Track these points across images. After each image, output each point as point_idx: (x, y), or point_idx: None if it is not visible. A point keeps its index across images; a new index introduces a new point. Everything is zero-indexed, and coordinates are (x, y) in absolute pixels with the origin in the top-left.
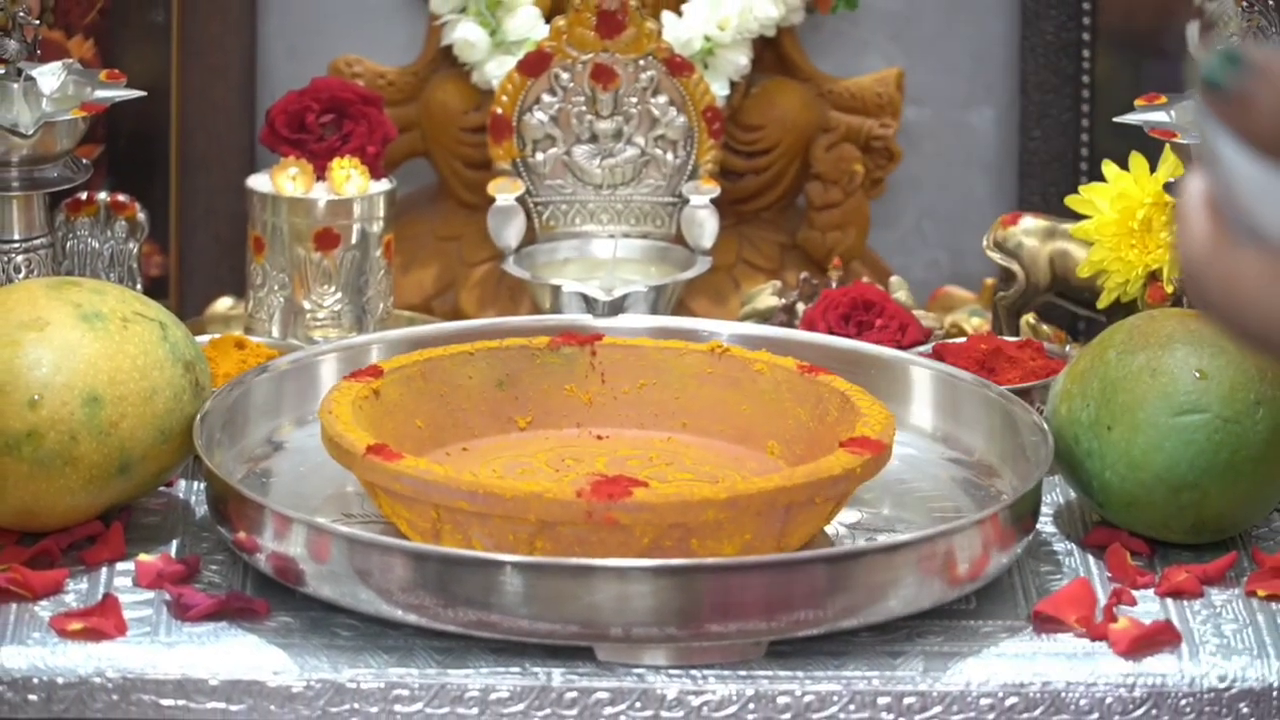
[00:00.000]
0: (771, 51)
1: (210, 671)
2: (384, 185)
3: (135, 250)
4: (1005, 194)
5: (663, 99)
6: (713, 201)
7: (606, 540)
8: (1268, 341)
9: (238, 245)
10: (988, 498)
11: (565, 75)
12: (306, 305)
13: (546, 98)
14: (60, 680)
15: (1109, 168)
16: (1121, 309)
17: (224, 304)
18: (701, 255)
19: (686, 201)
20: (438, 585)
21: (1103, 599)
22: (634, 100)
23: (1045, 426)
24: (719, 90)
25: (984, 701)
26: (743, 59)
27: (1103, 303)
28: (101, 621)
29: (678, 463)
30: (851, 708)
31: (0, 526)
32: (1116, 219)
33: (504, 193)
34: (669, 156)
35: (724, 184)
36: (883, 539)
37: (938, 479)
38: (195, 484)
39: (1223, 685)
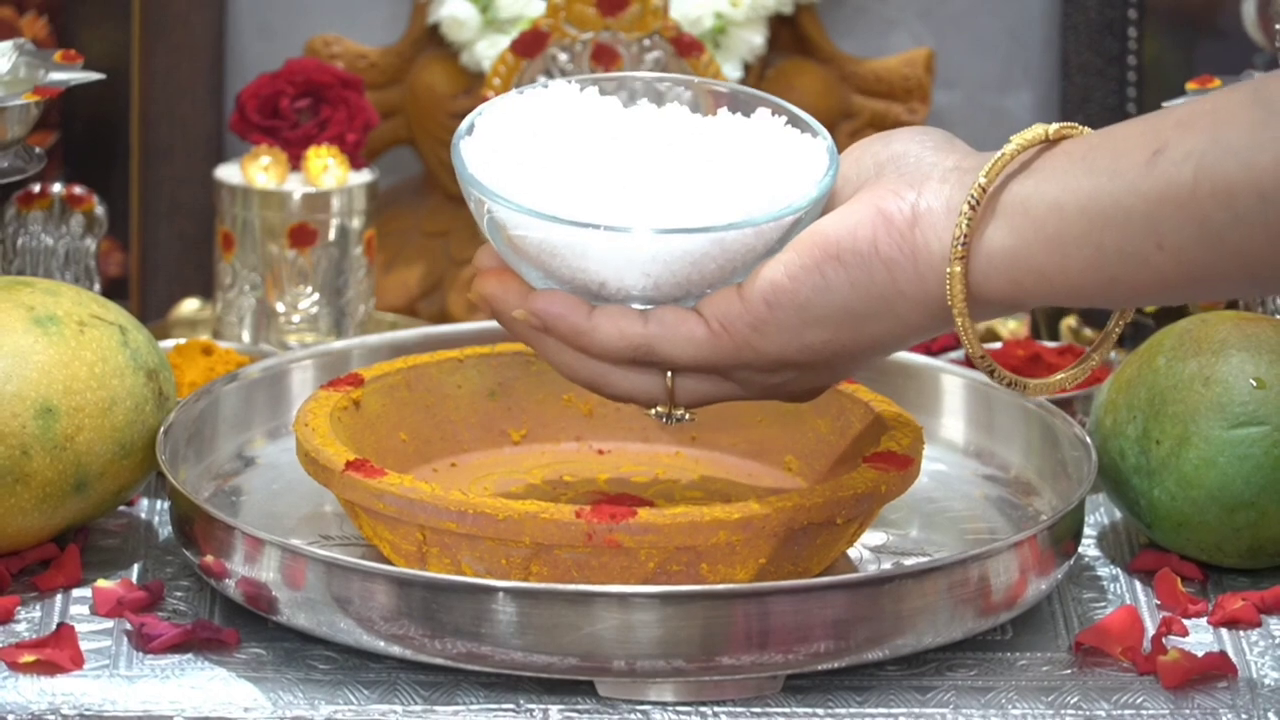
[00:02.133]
0: (789, 30)
1: (175, 708)
2: (365, 176)
3: (93, 247)
4: None
5: (667, 82)
6: None
7: (608, 565)
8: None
9: (205, 242)
10: (1025, 518)
11: (564, 56)
12: (280, 307)
13: (543, 80)
14: (11, 718)
15: None
16: (1171, 312)
17: (190, 306)
18: None
19: None
20: (424, 614)
21: (1151, 629)
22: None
23: (1088, 440)
24: (731, 72)
25: None
26: (757, 38)
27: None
28: (56, 653)
29: (686, 479)
30: None
31: None
32: None
33: None
34: None
35: None
36: (911, 563)
37: (970, 498)
38: (158, 503)
39: None
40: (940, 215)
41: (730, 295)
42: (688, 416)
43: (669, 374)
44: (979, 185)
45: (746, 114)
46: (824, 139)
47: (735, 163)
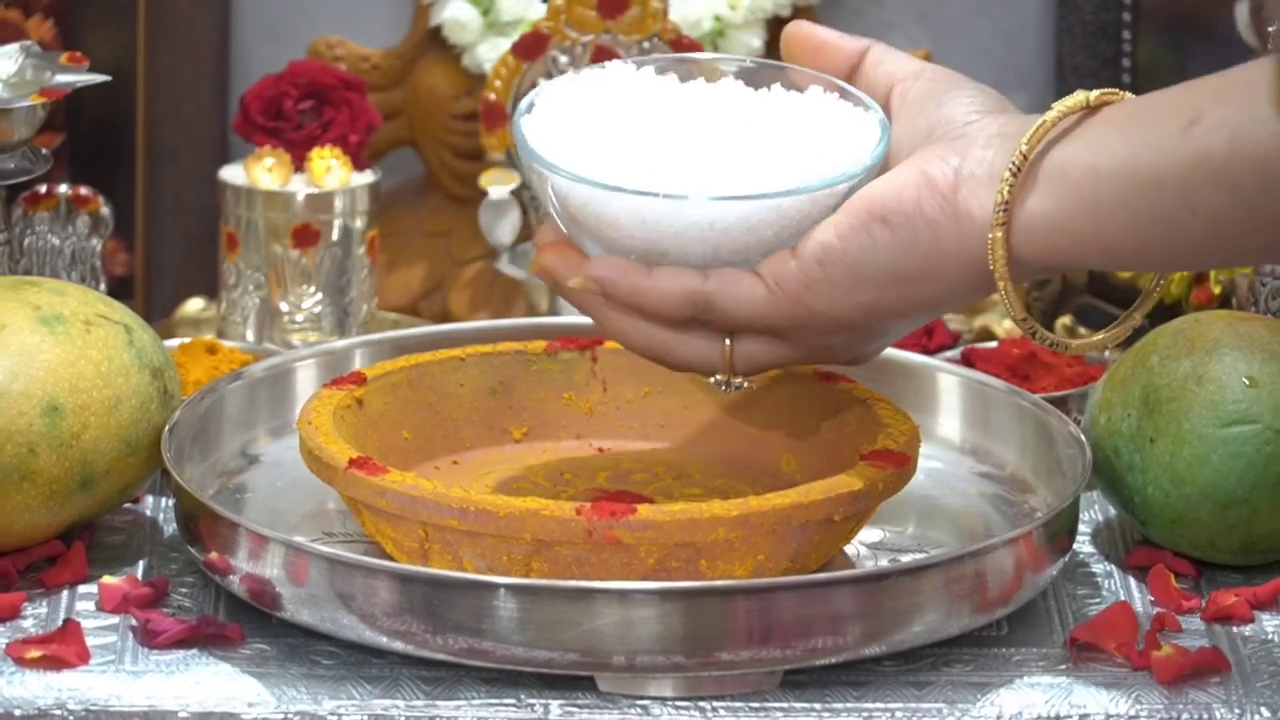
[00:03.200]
0: None
1: (180, 703)
2: (367, 177)
3: (98, 247)
4: None
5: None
6: None
7: (608, 561)
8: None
9: (209, 242)
10: (1021, 515)
11: (564, 58)
12: (284, 307)
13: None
14: (17, 712)
15: None
16: (1165, 311)
17: (194, 305)
18: None
19: None
20: (426, 610)
21: (1145, 625)
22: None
23: (1083, 438)
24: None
25: None
26: (756, 41)
27: None
28: (62, 649)
29: (685, 477)
30: None
31: None
32: None
33: (497, 185)
34: None
35: None
36: (907, 560)
37: (966, 495)
38: (163, 500)
39: (1275, 719)
40: (983, 180)
41: (785, 256)
42: (746, 384)
43: (727, 341)
44: (1020, 152)
45: (800, 89)
46: (875, 112)
47: (790, 133)
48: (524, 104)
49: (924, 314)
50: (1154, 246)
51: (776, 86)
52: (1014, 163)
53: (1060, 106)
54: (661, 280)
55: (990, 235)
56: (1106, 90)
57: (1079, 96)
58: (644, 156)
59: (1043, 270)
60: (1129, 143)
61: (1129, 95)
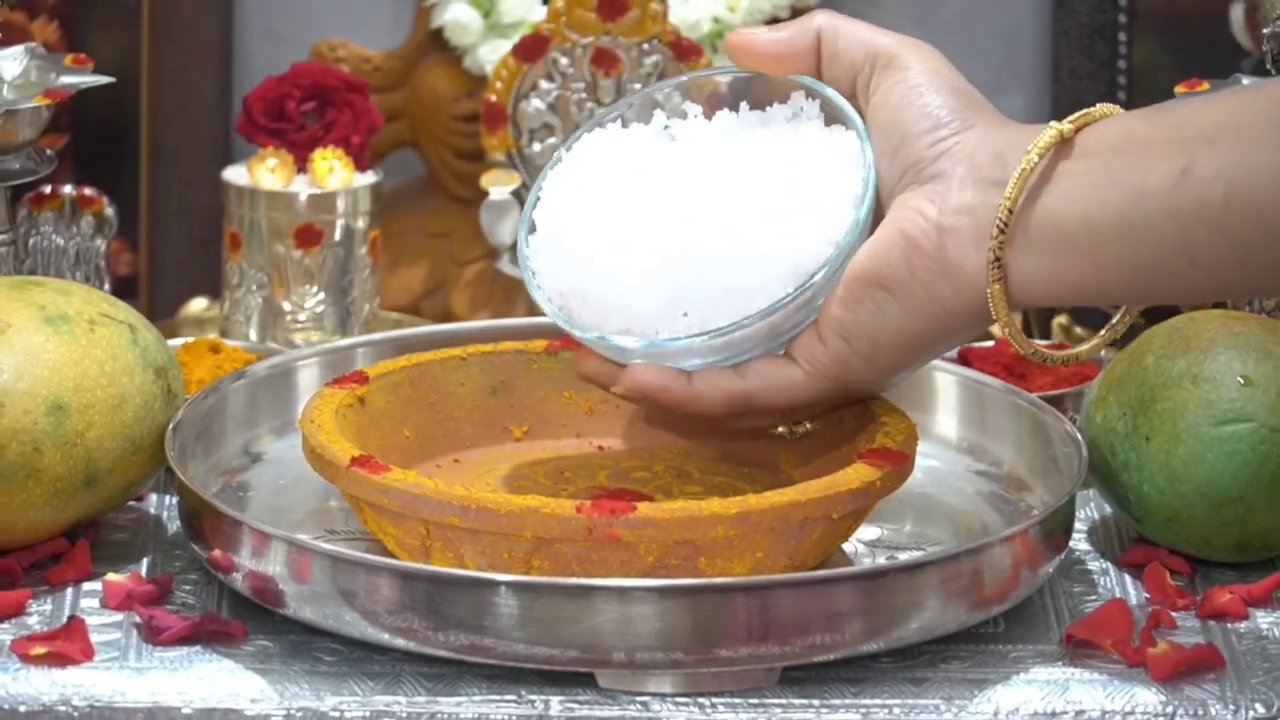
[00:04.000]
0: None
1: (183, 699)
2: (369, 178)
3: (103, 248)
4: None
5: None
6: None
7: (608, 559)
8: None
9: (212, 242)
10: (1017, 513)
11: (564, 60)
12: (286, 306)
13: (544, 84)
14: (23, 709)
15: None
16: (1160, 310)
17: (198, 305)
18: None
19: None
20: (427, 607)
21: (1140, 621)
22: (637, 87)
23: (1079, 437)
24: (726, 77)
25: None
26: None
27: None
28: (67, 645)
29: (685, 475)
30: None
31: None
32: None
33: (498, 186)
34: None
35: None
36: (905, 557)
37: (963, 493)
38: (167, 498)
39: (1269, 715)
40: (967, 235)
41: (813, 338)
42: (809, 426)
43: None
44: (1005, 207)
45: (783, 98)
46: (855, 130)
47: (775, 214)
48: (524, 218)
49: (940, 352)
50: (1154, 292)
51: (756, 138)
52: (1000, 219)
53: (1038, 147)
54: (701, 386)
55: (989, 289)
56: (1080, 115)
57: (1052, 133)
58: (638, 302)
59: (1045, 304)
60: (1121, 191)
61: (1103, 110)
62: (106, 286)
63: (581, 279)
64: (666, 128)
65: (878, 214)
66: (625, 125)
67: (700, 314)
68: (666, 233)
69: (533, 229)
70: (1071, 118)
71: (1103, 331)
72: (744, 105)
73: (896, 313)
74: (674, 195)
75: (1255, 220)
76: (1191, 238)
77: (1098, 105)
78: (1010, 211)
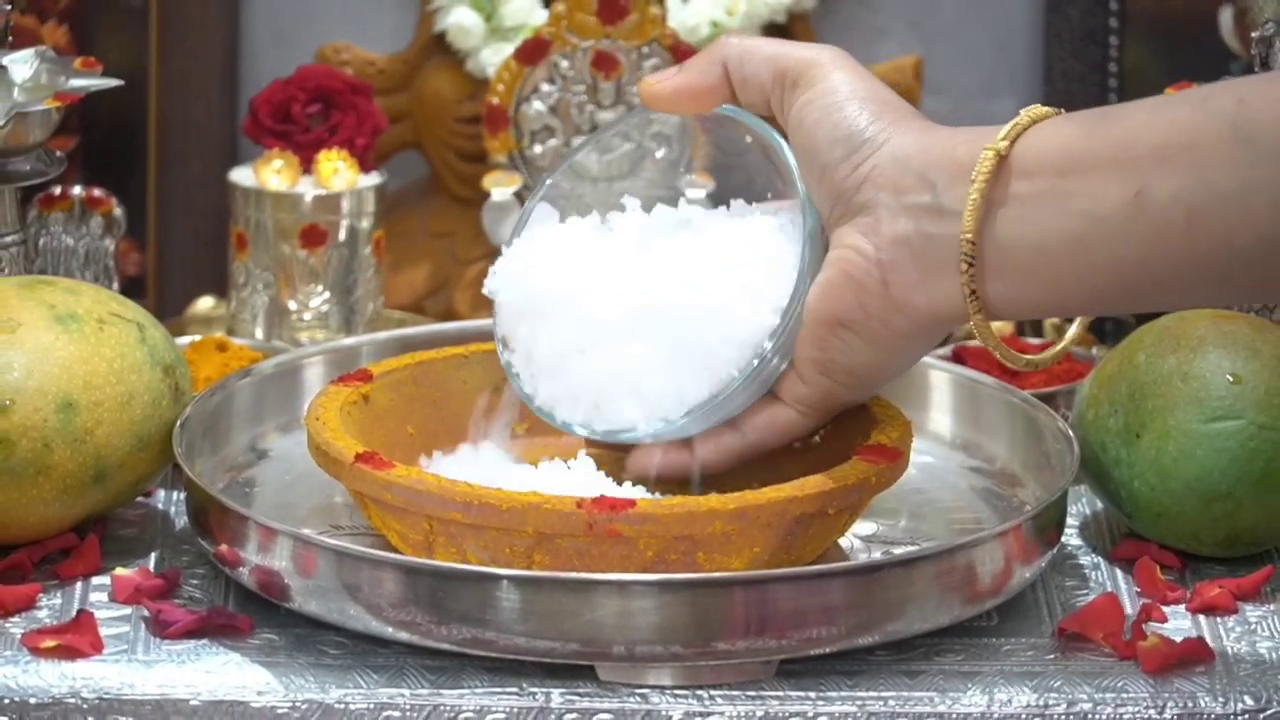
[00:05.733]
0: (782, 38)
1: (191, 691)
2: (373, 179)
3: (111, 248)
4: None
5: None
6: (709, 196)
7: (608, 553)
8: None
9: (219, 242)
10: (1010, 509)
11: (565, 63)
12: (292, 305)
13: (545, 87)
14: (33, 700)
15: None
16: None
17: (205, 304)
18: None
19: (682, 196)
20: (430, 601)
21: (1131, 615)
22: (636, 89)
23: (1071, 433)
24: None
25: None
26: None
27: None
28: (76, 639)
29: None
30: None
31: None
32: None
33: (500, 187)
34: (663, 152)
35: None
36: (900, 552)
37: (957, 489)
38: (175, 494)
39: (1257, 706)
40: (906, 267)
41: (794, 379)
42: (819, 438)
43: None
44: (967, 239)
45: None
46: (795, 188)
47: (724, 277)
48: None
49: (919, 357)
50: (1120, 307)
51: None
52: (966, 255)
53: (980, 175)
54: (706, 456)
55: (971, 320)
56: (1010, 127)
57: (990, 156)
58: (606, 381)
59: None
60: (1074, 219)
61: (1030, 116)
62: (115, 286)
63: (566, 382)
64: (604, 222)
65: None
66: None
67: (680, 391)
68: (632, 322)
69: (505, 345)
70: (1002, 132)
71: (1065, 339)
72: (682, 200)
73: (862, 347)
74: (627, 288)
75: (1222, 243)
76: (1154, 262)
77: (1023, 112)
78: (973, 244)
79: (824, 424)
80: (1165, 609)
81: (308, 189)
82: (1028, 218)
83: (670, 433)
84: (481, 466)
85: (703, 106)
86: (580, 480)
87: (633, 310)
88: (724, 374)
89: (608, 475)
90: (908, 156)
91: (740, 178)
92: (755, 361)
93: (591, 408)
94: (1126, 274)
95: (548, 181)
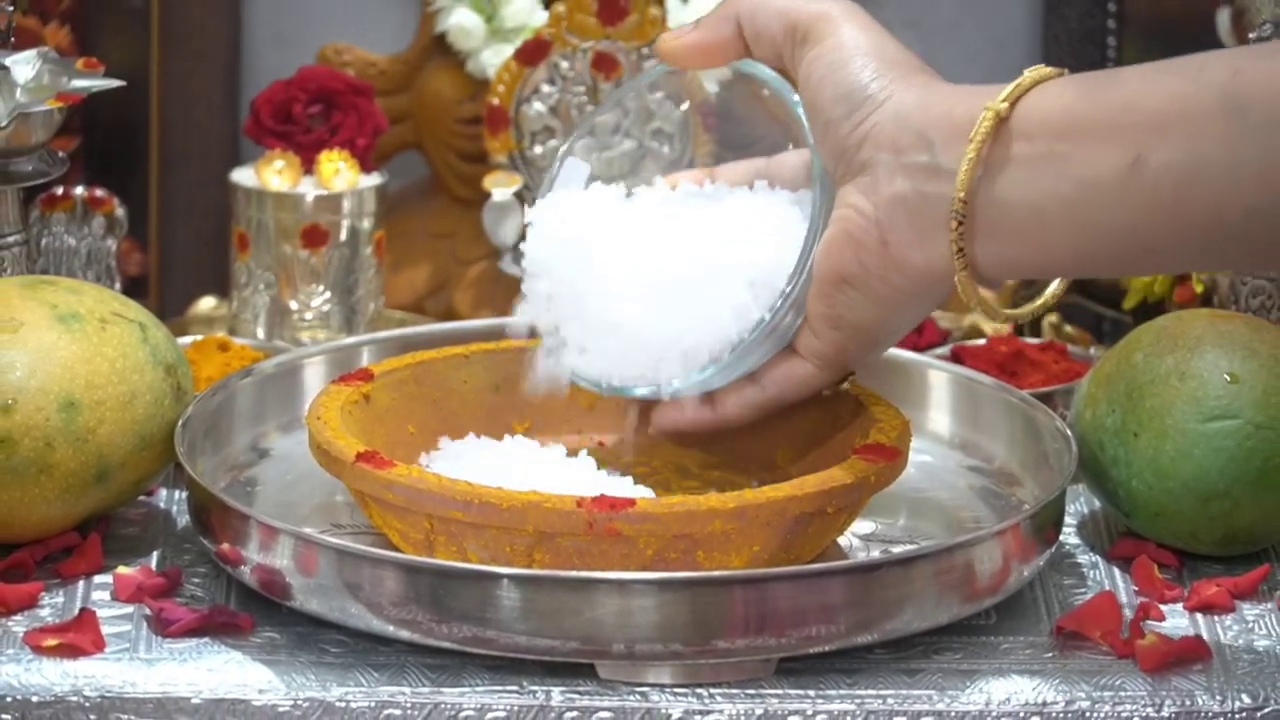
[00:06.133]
0: None
1: (192, 689)
2: (374, 179)
3: (113, 248)
4: None
5: (659, 93)
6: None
7: (608, 552)
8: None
9: (221, 242)
10: (1008, 507)
11: (565, 64)
12: (293, 305)
13: (545, 88)
14: (35, 699)
15: None
16: (1148, 309)
17: (207, 304)
18: None
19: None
20: (431, 599)
21: (1129, 613)
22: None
23: (1069, 433)
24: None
25: None
26: None
27: (1129, 303)
28: (78, 637)
29: (683, 471)
30: None
31: None
32: None
33: (500, 187)
34: (664, 149)
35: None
36: (898, 551)
37: (956, 488)
38: (176, 493)
39: (1254, 704)
40: (903, 226)
41: (809, 333)
42: (848, 384)
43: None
44: (959, 198)
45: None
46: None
47: (741, 246)
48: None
49: (928, 312)
50: (1111, 271)
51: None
52: (957, 213)
53: (978, 135)
54: (729, 410)
55: (956, 277)
56: (1012, 87)
57: (989, 116)
58: (648, 340)
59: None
60: (1069, 182)
61: (1033, 77)
62: (117, 286)
63: (588, 339)
64: (630, 195)
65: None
66: (594, 136)
67: (699, 347)
68: (651, 278)
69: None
70: (1004, 92)
71: (1045, 294)
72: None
73: (865, 303)
74: (646, 246)
75: (1211, 214)
76: (1145, 229)
77: (1026, 72)
78: (964, 203)
79: (840, 378)
80: (1163, 607)
81: (309, 189)
82: (1022, 180)
83: (690, 388)
84: (486, 452)
85: (717, 61)
86: (580, 473)
87: (651, 267)
88: (740, 328)
89: (608, 472)
90: (908, 114)
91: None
92: (768, 315)
93: (611, 364)
94: (1117, 240)
95: (575, 139)
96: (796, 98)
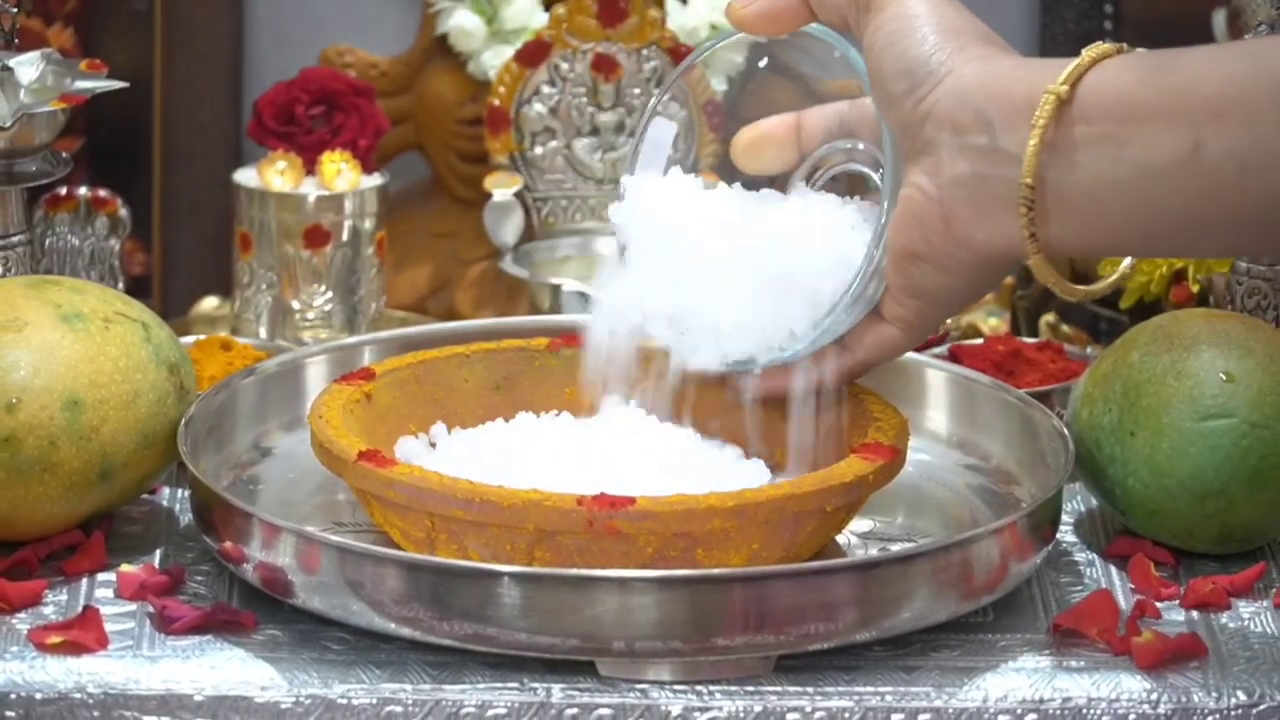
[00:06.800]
0: None
1: (195, 687)
2: (376, 180)
3: (117, 248)
4: None
5: (667, 95)
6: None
7: (608, 550)
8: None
9: (224, 242)
10: (1006, 506)
11: (565, 65)
12: (295, 305)
13: (546, 89)
14: (39, 696)
15: None
16: (1145, 309)
17: (209, 304)
18: None
19: None
20: (432, 597)
21: (1125, 611)
22: (636, 91)
23: (1065, 431)
24: (719, 86)
25: (1002, 718)
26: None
27: (1126, 302)
28: (82, 635)
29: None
30: None
31: None
32: None
33: (501, 188)
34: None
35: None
36: (896, 549)
37: (953, 486)
38: (179, 491)
39: (1250, 701)
40: (964, 207)
41: (891, 300)
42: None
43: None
44: (1025, 183)
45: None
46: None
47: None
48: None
49: (1001, 278)
50: (1171, 252)
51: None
52: (1025, 199)
53: (1040, 120)
54: (827, 375)
55: (1031, 261)
56: (1072, 68)
57: (1051, 100)
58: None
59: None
60: (1128, 167)
61: (1091, 56)
62: (120, 285)
63: (684, 314)
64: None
65: None
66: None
67: (788, 319)
68: (740, 256)
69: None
70: (1064, 73)
71: (1117, 272)
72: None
73: (937, 274)
74: (735, 225)
75: (1268, 202)
76: (1204, 214)
77: (1085, 51)
78: (1032, 188)
79: (926, 338)
80: (1159, 605)
81: (311, 190)
82: (1082, 163)
83: (785, 358)
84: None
85: (785, 27)
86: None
87: (741, 245)
88: (827, 300)
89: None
90: (967, 92)
91: None
92: (857, 283)
93: (703, 338)
94: (1176, 223)
95: (653, 109)
96: (864, 65)
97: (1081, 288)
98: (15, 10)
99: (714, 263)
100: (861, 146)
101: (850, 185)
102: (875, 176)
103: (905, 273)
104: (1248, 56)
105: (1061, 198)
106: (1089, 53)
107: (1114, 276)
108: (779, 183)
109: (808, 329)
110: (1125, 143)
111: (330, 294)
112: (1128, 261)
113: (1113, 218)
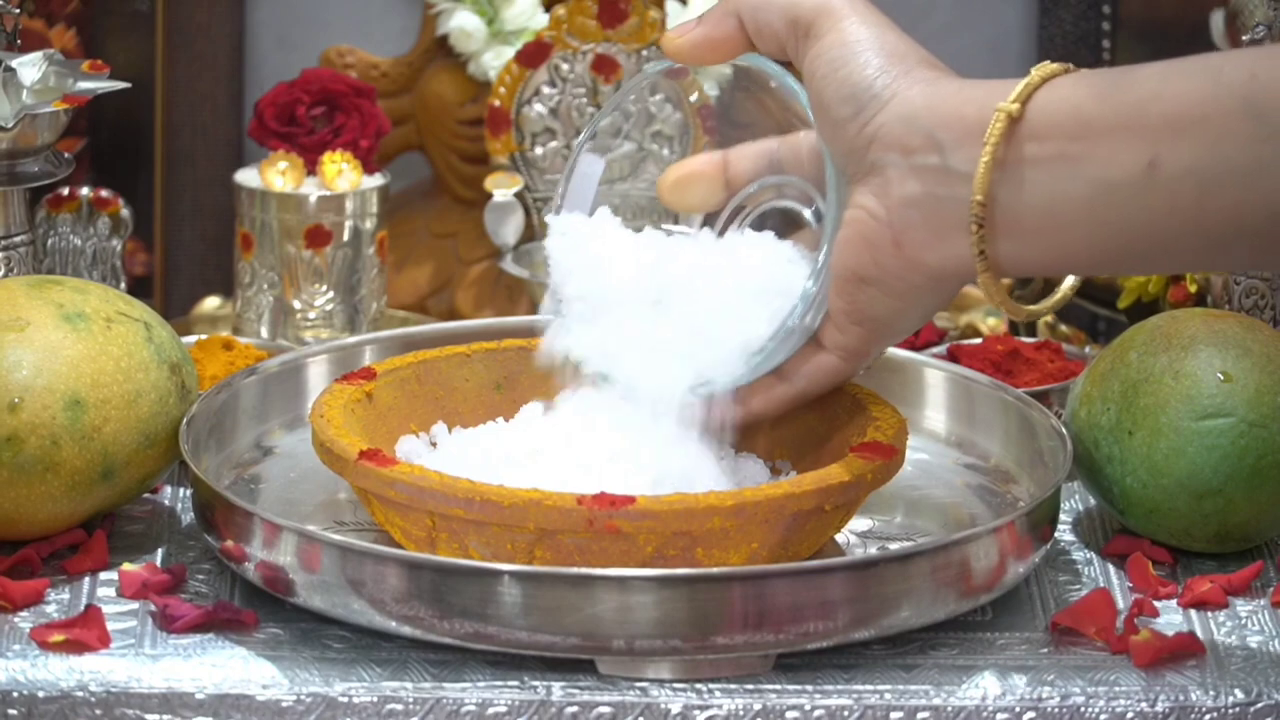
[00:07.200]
0: None
1: (197, 685)
2: (377, 180)
3: (119, 248)
4: None
5: (659, 95)
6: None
7: (608, 549)
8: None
9: (225, 242)
10: (1004, 505)
11: (565, 66)
12: (297, 305)
13: (546, 89)
14: (41, 694)
15: None
16: (1143, 309)
17: (211, 303)
18: None
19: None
20: (433, 596)
21: (1123, 610)
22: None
23: (1064, 431)
24: (713, 89)
25: (1000, 716)
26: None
27: (1123, 302)
28: (84, 633)
29: None
30: None
31: None
32: None
33: (502, 188)
34: (665, 152)
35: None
36: (895, 548)
37: (952, 485)
38: (181, 490)
39: (1247, 700)
40: (917, 227)
41: (832, 327)
42: (868, 364)
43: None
44: (977, 202)
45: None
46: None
47: (751, 281)
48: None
49: (946, 302)
50: (1129, 270)
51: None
52: (976, 216)
53: (992, 138)
54: (758, 407)
55: (979, 278)
56: (1022, 86)
57: (1001, 119)
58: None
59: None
60: (1083, 184)
61: (1041, 74)
62: (122, 285)
63: (613, 344)
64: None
65: None
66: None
67: (726, 350)
68: (676, 289)
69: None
70: (1014, 91)
71: (1060, 290)
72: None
73: (884, 299)
74: (670, 258)
75: (1232, 216)
76: (1165, 233)
77: (1034, 70)
78: (983, 206)
79: (864, 366)
80: (1157, 604)
81: (312, 190)
82: (1037, 181)
83: (722, 388)
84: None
85: (721, 56)
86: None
87: (676, 278)
88: (767, 332)
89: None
90: (915, 114)
91: None
92: (794, 315)
93: (639, 368)
94: (1135, 240)
95: (583, 140)
96: (803, 93)
97: (1026, 308)
98: (17, 11)
99: (642, 302)
100: (794, 180)
101: (781, 221)
102: (807, 213)
103: (851, 297)
104: (1205, 73)
105: (1013, 216)
106: (1038, 71)
107: (1057, 296)
108: (711, 220)
109: (740, 363)
110: (1080, 160)
111: (331, 294)
112: (1069, 281)
113: (1068, 235)
